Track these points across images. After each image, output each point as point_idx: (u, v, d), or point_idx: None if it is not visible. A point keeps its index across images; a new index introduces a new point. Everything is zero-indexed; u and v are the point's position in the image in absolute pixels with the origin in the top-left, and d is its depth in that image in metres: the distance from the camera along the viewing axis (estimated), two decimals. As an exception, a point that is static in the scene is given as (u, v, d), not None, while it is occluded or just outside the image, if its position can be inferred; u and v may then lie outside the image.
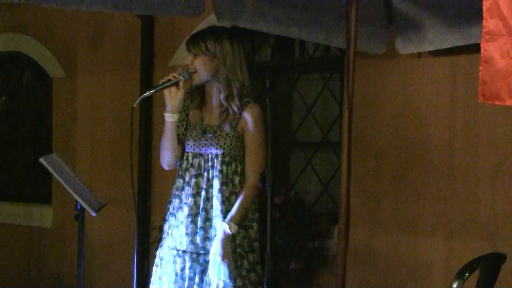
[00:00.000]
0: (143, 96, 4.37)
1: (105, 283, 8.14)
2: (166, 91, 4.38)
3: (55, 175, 4.51)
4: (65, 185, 4.47)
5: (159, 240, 4.62)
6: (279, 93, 7.11)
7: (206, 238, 4.39)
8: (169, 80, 4.36)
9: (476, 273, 4.00)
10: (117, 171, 8.19)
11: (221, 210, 4.37)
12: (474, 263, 3.99)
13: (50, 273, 8.85)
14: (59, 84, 8.86)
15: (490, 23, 2.63)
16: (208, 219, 4.40)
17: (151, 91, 4.37)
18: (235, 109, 4.42)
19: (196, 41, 4.47)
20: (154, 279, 4.57)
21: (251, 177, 4.41)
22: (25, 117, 9.48)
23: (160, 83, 4.37)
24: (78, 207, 4.51)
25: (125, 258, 8.01)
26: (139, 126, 7.88)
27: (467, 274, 3.85)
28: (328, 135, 6.97)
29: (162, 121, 4.47)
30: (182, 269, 4.43)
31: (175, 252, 4.46)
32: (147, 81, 7.90)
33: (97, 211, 4.54)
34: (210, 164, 4.43)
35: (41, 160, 4.51)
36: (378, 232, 6.38)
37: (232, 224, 4.31)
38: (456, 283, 3.78)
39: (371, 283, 6.41)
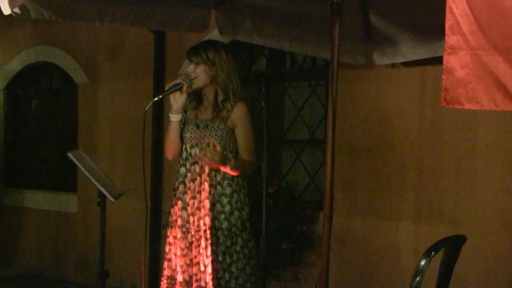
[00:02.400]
0: (153, 100, 4.40)
1: (122, 261, 8.15)
2: (171, 96, 4.42)
3: (80, 167, 4.52)
4: (89, 176, 4.49)
5: (168, 222, 4.66)
6: (273, 98, 7.12)
7: (203, 216, 4.42)
8: (174, 85, 4.39)
9: (441, 252, 4.02)
10: (133, 164, 8.19)
11: (210, 192, 4.41)
12: (439, 244, 4.00)
13: (75, 252, 8.85)
14: (84, 89, 8.86)
15: (451, 38, 2.65)
16: (201, 200, 4.44)
17: (160, 96, 4.44)
18: (229, 108, 4.47)
19: (198, 52, 4.49)
20: (169, 255, 4.59)
21: (248, 159, 4.49)
22: (54, 118, 9.47)
23: (166, 88, 4.41)
24: (100, 194, 4.52)
25: (139, 239, 8.01)
26: (152, 125, 7.88)
27: (433, 253, 3.86)
28: (315, 134, 6.97)
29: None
30: (191, 243, 4.46)
31: (184, 229, 4.49)
32: (159, 87, 7.89)
33: (116, 198, 4.55)
34: (203, 152, 4.46)
35: (69, 154, 4.52)
36: (357, 218, 6.39)
37: (233, 165, 4.32)
38: (424, 261, 3.79)
39: (351, 261, 6.42)
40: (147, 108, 4.31)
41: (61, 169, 9.20)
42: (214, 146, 4.33)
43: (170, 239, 4.61)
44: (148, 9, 4.86)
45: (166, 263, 4.63)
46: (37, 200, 9.41)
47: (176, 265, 4.55)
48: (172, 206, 4.62)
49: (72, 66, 8.96)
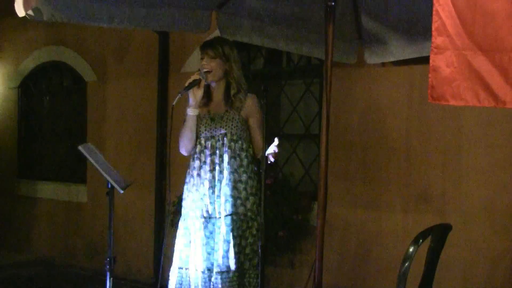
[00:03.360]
0: (178, 97, 4.27)
1: (128, 247, 8.16)
2: (190, 91, 4.41)
3: (90, 159, 4.50)
4: (98, 168, 4.47)
5: (174, 213, 4.62)
6: (270, 95, 7.12)
7: (223, 203, 4.40)
8: (194, 81, 4.38)
9: (428, 240, 4.03)
10: (138, 157, 8.21)
11: (230, 179, 4.40)
12: (427, 232, 4.01)
13: (85, 239, 8.86)
14: (92, 87, 8.87)
15: (438, 39, 2.66)
16: (221, 188, 4.42)
17: (183, 91, 4.35)
18: (242, 99, 4.48)
19: (215, 46, 4.50)
20: (180, 246, 4.54)
21: (261, 142, 4.47)
22: (65, 114, 9.48)
23: (186, 84, 4.38)
24: (109, 185, 4.50)
25: (144, 227, 8.03)
26: (156, 122, 7.90)
27: (421, 240, 3.87)
28: (309, 128, 6.98)
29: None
30: (211, 232, 4.43)
31: (202, 220, 4.45)
32: (162, 85, 7.90)
33: (124, 189, 4.54)
34: (220, 142, 4.45)
35: (79, 147, 4.50)
36: (349, 207, 6.40)
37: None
38: (412, 247, 3.80)
39: (344, 249, 6.43)
40: (174, 103, 4.28)
41: (71, 161, 9.22)
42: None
43: (181, 231, 4.57)
44: (153, 11, 4.86)
45: (175, 254, 4.57)
46: (49, 190, 9.42)
47: (189, 255, 4.50)
48: (184, 199, 4.59)
49: (82, 65, 8.97)
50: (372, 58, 5.62)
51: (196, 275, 4.47)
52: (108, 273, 4.54)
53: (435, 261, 4.10)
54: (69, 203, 9.12)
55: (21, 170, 9.95)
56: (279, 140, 4.24)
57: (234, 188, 4.42)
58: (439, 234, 4.11)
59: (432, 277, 4.08)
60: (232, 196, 4.40)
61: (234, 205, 4.40)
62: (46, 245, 9.42)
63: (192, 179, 4.54)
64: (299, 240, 6.60)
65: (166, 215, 7.66)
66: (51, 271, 8.77)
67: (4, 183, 9.99)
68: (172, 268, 4.58)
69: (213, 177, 4.45)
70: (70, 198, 9.12)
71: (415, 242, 3.85)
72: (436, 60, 2.66)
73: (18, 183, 9.90)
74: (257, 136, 4.54)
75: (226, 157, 4.43)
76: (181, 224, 4.60)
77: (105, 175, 4.47)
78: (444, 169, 5.84)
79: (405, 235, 5.83)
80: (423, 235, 3.95)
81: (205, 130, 4.51)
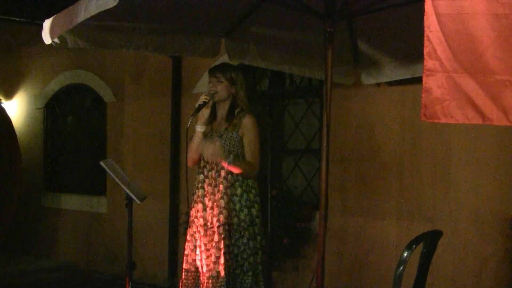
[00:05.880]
0: (190, 119, 4.40)
1: (145, 254, 8.15)
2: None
3: (111, 174, 4.51)
4: (118, 181, 4.48)
5: (187, 222, 4.64)
6: (274, 113, 7.13)
7: (217, 214, 4.42)
8: (204, 102, 4.43)
9: (421, 245, 4.02)
10: (153, 172, 8.21)
11: (225, 193, 4.43)
12: (419, 238, 3.99)
13: (105, 247, 8.86)
14: (111, 107, 8.88)
15: (429, 62, 2.67)
16: (216, 200, 4.45)
17: (195, 113, 4.45)
18: (241, 118, 4.52)
19: (224, 71, 4.56)
20: (187, 251, 4.60)
21: (252, 162, 4.48)
22: (86, 132, 9.49)
23: (197, 105, 4.44)
24: (127, 197, 4.51)
25: (159, 235, 8.02)
26: (170, 138, 7.91)
27: (414, 245, 3.85)
28: (311, 144, 6.98)
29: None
30: (209, 240, 4.45)
31: (206, 228, 4.48)
32: (176, 105, 7.92)
33: (141, 200, 4.55)
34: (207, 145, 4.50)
35: (101, 163, 4.52)
36: (347, 216, 6.39)
37: (231, 160, 4.35)
38: (406, 252, 3.78)
39: (343, 254, 6.41)
40: (188, 125, 4.38)
41: (92, 175, 9.22)
42: (217, 145, 4.41)
43: (188, 237, 4.62)
44: (167, 38, 4.89)
45: (184, 258, 4.63)
46: (72, 202, 9.43)
47: (194, 259, 4.54)
48: (191, 209, 4.62)
49: (102, 87, 8.99)
50: (368, 79, 5.62)
51: (198, 277, 4.53)
52: (127, 278, 4.53)
53: (427, 265, 4.09)
54: (91, 214, 9.12)
55: (47, 183, 9.95)
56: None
57: (230, 201, 4.44)
58: (430, 240, 4.10)
59: (424, 280, 4.07)
60: (226, 208, 4.42)
61: (228, 216, 4.41)
62: (70, 252, 9.42)
63: (197, 191, 4.58)
64: (302, 246, 6.59)
65: (180, 223, 7.66)
66: (74, 276, 8.77)
67: (31, 195, 9.99)
68: (182, 272, 4.62)
69: (212, 190, 4.48)
70: (91, 209, 9.11)
71: (409, 247, 3.84)
72: (428, 82, 2.67)
73: (44, 195, 9.90)
74: (247, 154, 4.53)
75: (222, 173, 4.46)
76: (188, 231, 4.65)
77: (124, 187, 4.48)
78: (434, 181, 5.83)
79: (399, 241, 5.82)
80: (416, 241, 3.93)
81: (208, 147, 4.53)
